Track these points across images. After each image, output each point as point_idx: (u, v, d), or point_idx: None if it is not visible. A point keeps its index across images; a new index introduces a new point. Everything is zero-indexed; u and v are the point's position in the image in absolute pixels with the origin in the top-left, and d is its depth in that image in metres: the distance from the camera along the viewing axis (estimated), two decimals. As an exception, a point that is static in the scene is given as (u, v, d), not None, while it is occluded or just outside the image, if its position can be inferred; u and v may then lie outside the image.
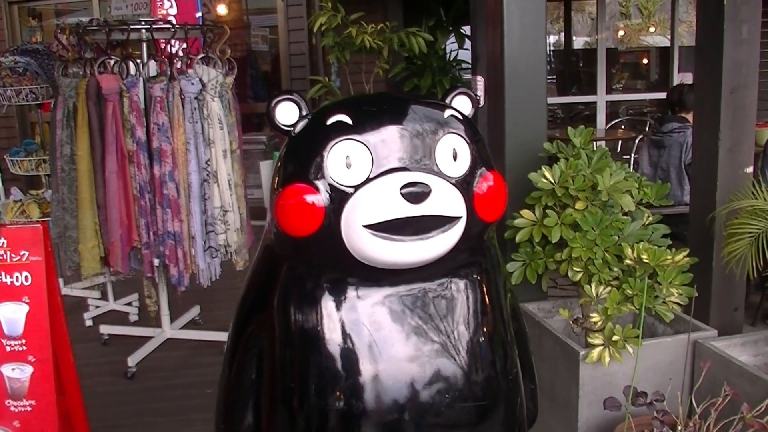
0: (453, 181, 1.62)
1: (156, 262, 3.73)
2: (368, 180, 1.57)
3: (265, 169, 7.08)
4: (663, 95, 8.73)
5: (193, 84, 3.63)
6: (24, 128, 7.69)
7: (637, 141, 7.36)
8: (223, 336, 4.16)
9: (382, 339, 1.69)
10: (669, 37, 10.26)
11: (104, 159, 3.65)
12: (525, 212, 2.56)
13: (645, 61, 13.14)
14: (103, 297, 5.05)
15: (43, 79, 4.95)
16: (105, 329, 4.45)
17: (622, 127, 8.86)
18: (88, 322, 4.72)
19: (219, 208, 3.73)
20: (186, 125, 3.62)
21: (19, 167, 5.57)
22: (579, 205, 2.47)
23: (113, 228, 3.65)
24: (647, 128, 8.25)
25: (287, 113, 1.70)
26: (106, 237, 3.71)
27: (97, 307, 4.96)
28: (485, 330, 1.79)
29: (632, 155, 7.12)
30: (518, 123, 2.88)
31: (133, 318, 4.81)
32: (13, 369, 1.87)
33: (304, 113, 1.70)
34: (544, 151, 2.74)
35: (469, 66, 6.11)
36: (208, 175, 3.69)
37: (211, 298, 4.76)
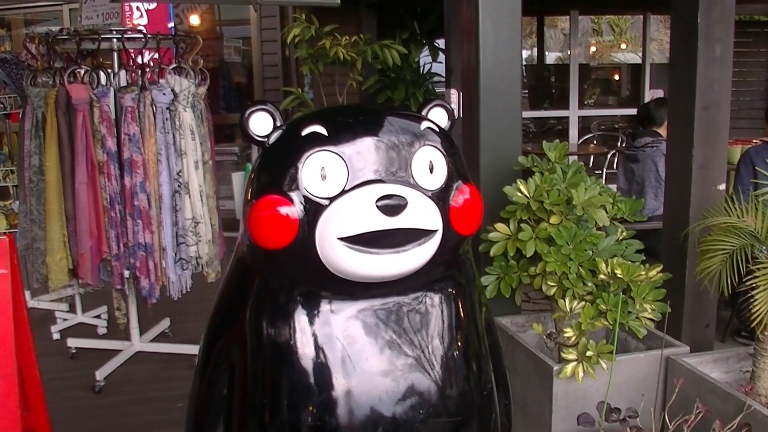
0: (429, 193, 1.61)
1: (126, 273, 3.68)
2: (343, 192, 1.55)
3: (237, 180, 7.06)
4: (634, 111, 8.84)
5: (165, 94, 3.59)
6: (-10, 138, 7.57)
7: (608, 156, 7.45)
8: (193, 349, 4.11)
9: (355, 353, 1.66)
10: (640, 54, 10.39)
11: (74, 170, 3.60)
12: (499, 226, 2.55)
13: (616, 77, 13.29)
14: (71, 309, 4.97)
15: (11, 88, 4.89)
16: (73, 342, 4.37)
17: (594, 142, 8.95)
18: (56, 335, 4.64)
19: (190, 220, 3.69)
20: (157, 136, 3.58)
21: (-14, 177, 5.49)
22: (554, 220, 2.47)
23: (83, 239, 3.60)
24: (619, 143, 8.35)
25: (261, 123, 1.67)
26: (75, 249, 3.64)
27: (65, 320, 4.87)
28: (460, 344, 1.77)
29: (604, 170, 7.19)
30: (493, 136, 2.87)
31: (102, 331, 4.73)
32: (-25, 384, 1.82)
33: (278, 124, 1.68)
34: (518, 165, 2.73)
35: (443, 79, 6.16)
36: (179, 186, 3.65)
37: (182, 310, 4.69)
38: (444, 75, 5.90)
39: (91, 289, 4.13)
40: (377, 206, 1.50)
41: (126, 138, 3.56)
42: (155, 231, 3.62)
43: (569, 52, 8.99)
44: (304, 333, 1.66)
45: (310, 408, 1.66)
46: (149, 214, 3.60)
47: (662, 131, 4.78)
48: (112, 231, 3.61)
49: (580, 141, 8.57)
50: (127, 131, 3.55)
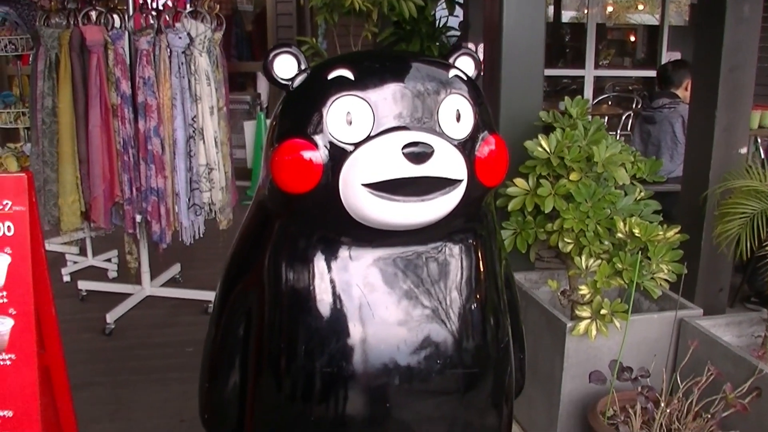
0: (455, 143, 1.58)
1: (138, 218, 3.67)
2: (369, 138, 1.53)
3: (249, 129, 7.04)
4: (650, 73, 8.76)
5: (180, 38, 3.55)
6: (1, 80, 7.52)
7: (623, 118, 7.38)
8: (203, 295, 4.14)
9: (374, 301, 1.65)
10: (657, 15, 10.23)
11: (87, 112, 3.58)
12: (518, 181, 2.53)
13: (632, 38, 13.09)
14: (82, 253, 4.99)
15: (23, 29, 4.83)
16: (83, 285, 4.40)
17: (609, 103, 8.86)
18: (66, 278, 4.67)
19: (204, 166, 3.67)
20: (172, 80, 3.55)
21: (-2, 119, 5.46)
22: (573, 176, 2.45)
23: (95, 183, 3.59)
24: (634, 105, 8.27)
25: (285, 66, 1.63)
26: (88, 192, 3.64)
27: (75, 263, 4.90)
28: (478, 296, 1.76)
29: (618, 131, 7.13)
30: (514, 92, 2.84)
31: (112, 275, 4.76)
32: (-7, 321, 1.82)
33: (302, 67, 1.64)
34: (539, 121, 2.70)
35: (459, 33, 6.07)
36: (194, 131, 3.63)
37: (192, 256, 4.71)
38: (459, 29, 5.82)
39: (103, 233, 4.14)
40: (403, 153, 1.48)
41: (140, 81, 3.52)
42: (168, 176, 3.61)
43: (586, 11, 8.85)
44: (322, 278, 1.64)
45: (326, 354, 1.66)
46: (162, 159, 3.58)
47: (680, 93, 4.74)
48: (125, 175, 3.60)
49: (595, 102, 8.48)
50: (142, 75, 3.52)
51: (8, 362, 1.82)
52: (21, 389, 1.84)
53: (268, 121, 6.12)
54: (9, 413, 1.84)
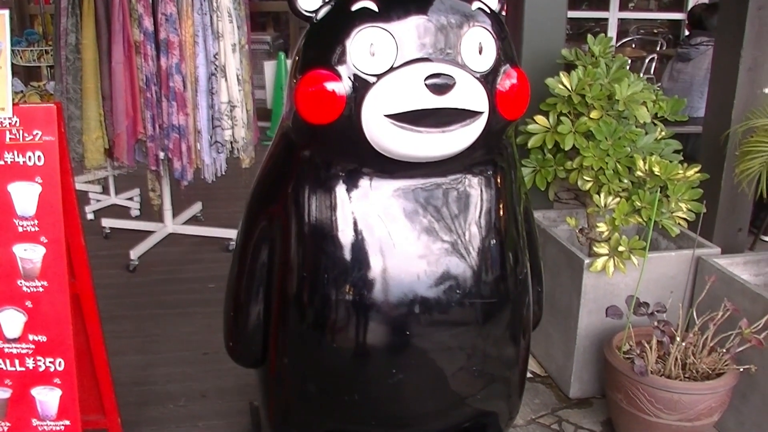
0: (477, 75, 1.59)
1: (161, 155, 3.70)
2: (392, 69, 1.54)
3: (269, 69, 7.00)
4: (676, 15, 8.60)
5: (202, -26, 3.53)
6: (23, 19, 7.51)
7: (646, 61, 7.29)
8: (225, 232, 4.20)
9: (395, 231, 1.69)
10: (686, -45, 9.99)
11: (110, 48, 3.58)
12: (539, 118, 2.53)
13: (659, -21, 12.82)
14: (104, 191, 5.05)
15: (45, -33, 4.82)
16: (107, 222, 4.46)
17: (632, 45, 8.73)
18: (90, 216, 4.73)
19: (227, 103, 3.68)
20: (194, 17, 3.54)
21: (21, 57, 5.48)
22: (594, 114, 2.45)
23: (119, 119, 3.61)
24: (658, 48, 8.15)
25: (309, -2, 1.65)
26: (111, 128, 3.66)
27: (98, 201, 4.96)
28: (498, 228, 1.79)
29: (641, 74, 7.04)
30: (537, 28, 2.82)
31: (134, 213, 4.82)
32: (25, 249, 1.86)
33: (326, -1, 1.65)
34: (561, 59, 2.69)
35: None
36: (216, 69, 3.63)
37: (213, 195, 4.76)
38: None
39: (125, 171, 4.18)
40: (425, 84, 1.50)
41: (163, 18, 3.52)
42: (190, 113, 3.62)
43: (613, -49, 8.66)
44: (344, 208, 1.68)
45: (348, 283, 1.70)
46: (184, 96, 3.59)
47: None
48: (148, 112, 3.62)
49: (618, 44, 8.35)
50: (164, 11, 3.51)
51: (41, 289, 1.88)
52: (54, 315, 1.90)
53: (289, 62, 6.05)
54: (43, 338, 1.91)
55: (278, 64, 6.86)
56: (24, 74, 5.89)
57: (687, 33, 5.51)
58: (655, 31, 9.53)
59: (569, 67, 2.61)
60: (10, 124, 1.81)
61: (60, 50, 3.71)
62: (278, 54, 7.01)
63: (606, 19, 8.40)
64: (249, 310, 1.88)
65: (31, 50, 5.51)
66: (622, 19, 8.77)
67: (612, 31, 8.32)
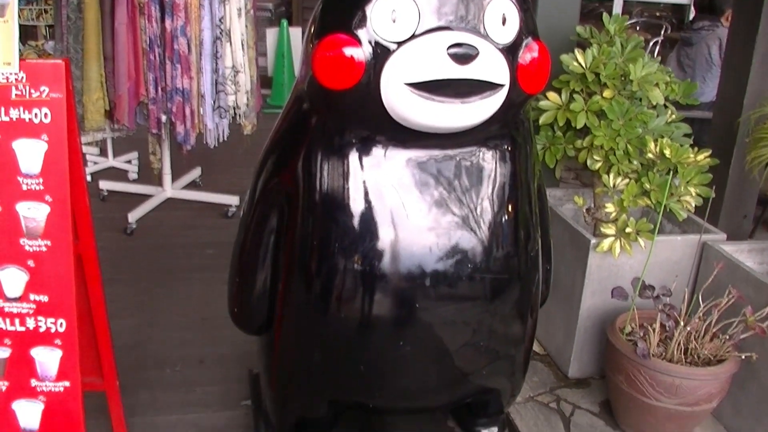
0: (500, 47, 1.56)
1: (163, 118, 3.65)
2: (413, 36, 1.51)
3: (272, 36, 6.92)
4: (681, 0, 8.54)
5: (209, -64, 3.48)
6: (22, -24, 7.41)
7: (650, 44, 7.24)
8: (224, 199, 4.17)
9: (406, 201, 1.66)
10: (693, -64, 9.90)
11: (113, 9, 3.52)
12: (551, 95, 2.50)
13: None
14: (102, 153, 5.00)
15: None
16: (105, 185, 4.42)
17: (637, 28, 8.66)
18: (87, 178, 4.67)
19: (231, 68, 3.64)
20: (200, -21, 3.49)
21: (19, 16, 5.39)
22: (607, 93, 2.42)
23: (120, 81, 3.56)
24: (662, 32, 8.10)
25: (330, -39, 1.61)
26: (113, 90, 3.61)
27: (96, 163, 4.91)
28: (511, 203, 1.77)
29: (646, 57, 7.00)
30: (552, 4, 2.79)
31: (133, 176, 4.77)
32: (29, 208, 1.82)
33: (347, -37, 1.61)
34: (575, 36, 2.65)
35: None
36: (221, 33, 3.58)
37: (213, 161, 4.71)
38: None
39: (125, 134, 4.13)
40: (448, 53, 1.46)
41: (168, -21, 3.47)
42: (194, 77, 3.58)
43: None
44: (356, 175, 1.65)
45: (359, 252, 1.68)
46: (188, 60, 3.55)
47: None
48: (150, 74, 3.57)
49: (623, 27, 8.28)
50: (170, -28, 3.46)
51: (44, 248, 1.84)
52: (56, 275, 1.86)
53: (291, 29, 5.96)
54: (45, 298, 1.88)
55: (280, 32, 6.78)
56: (21, 33, 5.81)
57: (675, 21, 5.48)
58: (658, 14, 9.46)
59: (581, 46, 2.58)
60: (16, 79, 1.76)
61: (61, 9, 3.64)
62: (281, 21, 6.93)
63: (611, 1, 8.33)
64: (255, 276, 1.86)
65: (29, 8, 5.43)
66: (627, 1, 8.70)
67: (616, 12, 8.25)
